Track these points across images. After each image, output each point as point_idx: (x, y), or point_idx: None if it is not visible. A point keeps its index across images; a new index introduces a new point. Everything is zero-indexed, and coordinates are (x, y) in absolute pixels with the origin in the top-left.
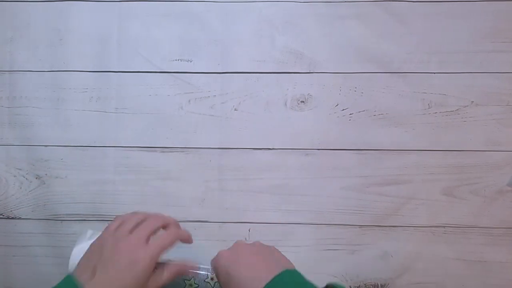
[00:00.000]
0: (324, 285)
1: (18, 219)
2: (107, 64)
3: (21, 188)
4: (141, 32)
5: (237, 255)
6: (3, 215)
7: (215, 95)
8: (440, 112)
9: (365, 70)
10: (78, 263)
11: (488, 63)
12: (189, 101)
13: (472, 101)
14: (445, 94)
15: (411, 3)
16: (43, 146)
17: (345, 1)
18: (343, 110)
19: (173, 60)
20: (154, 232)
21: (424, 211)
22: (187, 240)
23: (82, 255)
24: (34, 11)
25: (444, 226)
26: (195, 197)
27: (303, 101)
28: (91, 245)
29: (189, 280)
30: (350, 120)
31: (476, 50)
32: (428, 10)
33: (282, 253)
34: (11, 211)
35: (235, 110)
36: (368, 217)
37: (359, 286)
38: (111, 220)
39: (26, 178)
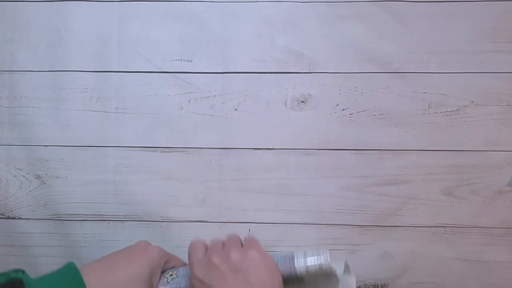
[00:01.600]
0: None
1: (18, 219)
2: (107, 64)
3: (21, 188)
4: (141, 32)
5: (212, 275)
6: (3, 215)
7: (215, 95)
8: (440, 112)
9: (365, 70)
10: None
11: (488, 63)
12: (189, 101)
13: (472, 101)
14: (445, 94)
15: (411, 3)
16: (43, 146)
17: (345, 1)
18: (343, 110)
19: (173, 60)
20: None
21: (424, 211)
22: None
23: None
24: (34, 11)
25: (444, 226)
26: (195, 197)
27: (303, 101)
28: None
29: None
30: (350, 120)
31: (476, 50)
32: (428, 10)
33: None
34: (11, 211)
35: (235, 110)
36: (368, 217)
37: (359, 286)
38: (111, 220)
39: (26, 178)
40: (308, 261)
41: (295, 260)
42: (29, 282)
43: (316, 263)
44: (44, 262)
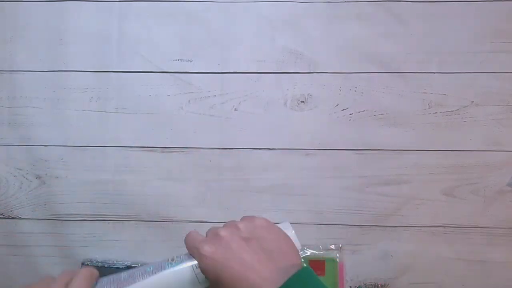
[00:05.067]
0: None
1: (18, 219)
2: (107, 64)
3: (21, 188)
4: (141, 32)
5: (224, 249)
6: (3, 215)
7: (215, 95)
8: (440, 112)
9: (365, 70)
10: None
11: (488, 63)
12: (189, 101)
13: (472, 101)
14: (445, 94)
15: (411, 3)
16: (43, 146)
17: (345, 1)
18: (343, 110)
19: (173, 60)
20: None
21: (424, 211)
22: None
23: None
24: (34, 11)
25: (444, 226)
26: (195, 197)
27: (303, 101)
28: None
29: None
30: (350, 120)
31: (476, 50)
32: (428, 10)
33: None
34: (11, 211)
35: (235, 110)
36: (368, 217)
37: (359, 286)
38: (111, 220)
39: (26, 178)
40: None
41: None
42: None
43: None
44: (44, 262)
